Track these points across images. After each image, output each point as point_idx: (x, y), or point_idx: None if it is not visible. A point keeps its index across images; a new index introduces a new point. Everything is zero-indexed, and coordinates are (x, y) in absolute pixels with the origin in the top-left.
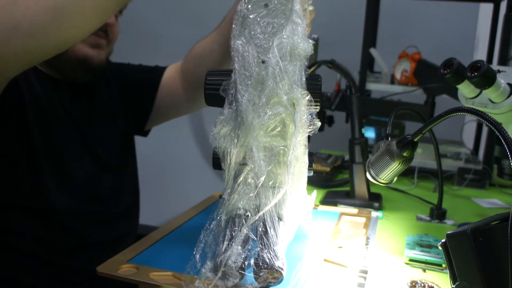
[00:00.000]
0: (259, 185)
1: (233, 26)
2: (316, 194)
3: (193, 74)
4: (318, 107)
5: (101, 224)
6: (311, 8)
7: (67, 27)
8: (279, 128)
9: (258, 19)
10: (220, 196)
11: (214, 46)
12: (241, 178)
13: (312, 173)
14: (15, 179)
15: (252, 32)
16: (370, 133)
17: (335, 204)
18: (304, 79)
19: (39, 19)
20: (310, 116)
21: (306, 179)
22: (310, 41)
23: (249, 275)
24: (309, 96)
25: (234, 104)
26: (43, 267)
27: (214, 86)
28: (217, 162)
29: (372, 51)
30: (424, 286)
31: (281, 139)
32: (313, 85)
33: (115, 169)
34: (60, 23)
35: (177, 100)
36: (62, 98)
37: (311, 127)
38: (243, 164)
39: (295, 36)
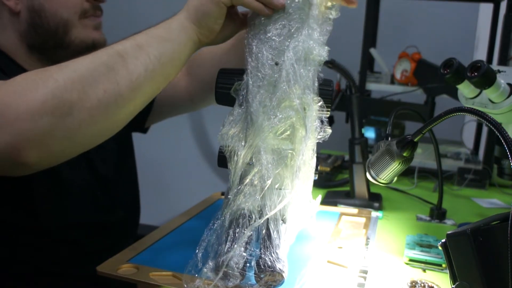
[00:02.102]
0: (266, 188)
1: (248, 26)
2: (320, 198)
3: (202, 77)
4: (329, 112)
5: (100, 232)
6: (333, 15)
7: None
8: (288, 132)
9: (274, 21)
10: (222, 194)
11: (230, 58)
12: (247, 180)
13: (317, 177)
14: (7, 191)
15: (268, 34)
16: (370, 133)
17: (335, 204)
18: (316, 84)
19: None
20: (321, 122)
21: (312, 183)
22: (326, 47)
23: (250, 277)
24: (321, 102)
25: (244, 105)
26: (42, 276)
27: (225, 85)
28: (222, 160)
29: (372, 51)
30: (424, 286)
31: (290, 143)
32: (325, 90)
33: (112, 175)
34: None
35: (179, 99)
36: None
37: (322, 133)
38: (250, 164)
39: (311, 41)
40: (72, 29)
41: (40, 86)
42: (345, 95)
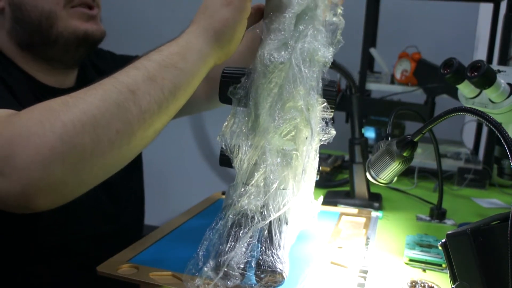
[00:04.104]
0: (272, 190)
1: (263, 27)
2: (322, 199)
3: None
4: (333, 113)
5: (103, 242)
6: (335, 19)
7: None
8: (293, 133)
9: (283, 22)
10: (223, 193)
11: (247, 57)
12: (253, 181)
13: (318, 177)
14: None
15: (272, 36)
16: (370, 133)
17: (335, 204)
18: (320, 85)
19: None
20: (325, 124)
21: (313, 184)
22: (331, 48)
23: (251, 277)
24: (324, 103)
25: (245, 102)
26: (43, 286)
27: (230, 84)
28: (224, 160)
29: (372, 51)
30: (424, 286)
31: (294, 144)
32: (329, 91)
33: (118, 181)
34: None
35: (197, 98)
36: None
37: (326, 135)
38: (255, 164)
39: (316, 42)
40: (57, 20)
41: (48, 130)
42: (345, 95)
